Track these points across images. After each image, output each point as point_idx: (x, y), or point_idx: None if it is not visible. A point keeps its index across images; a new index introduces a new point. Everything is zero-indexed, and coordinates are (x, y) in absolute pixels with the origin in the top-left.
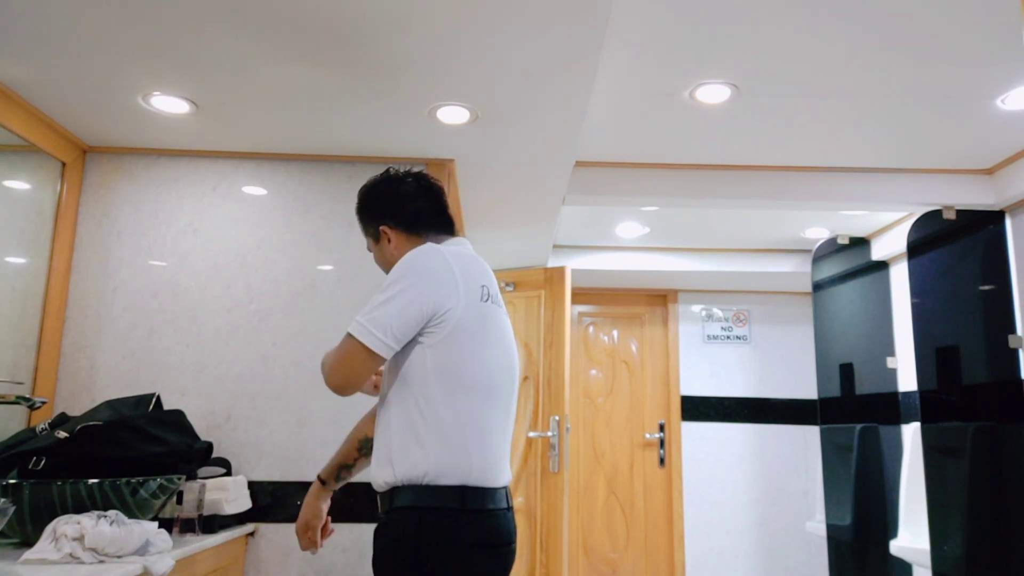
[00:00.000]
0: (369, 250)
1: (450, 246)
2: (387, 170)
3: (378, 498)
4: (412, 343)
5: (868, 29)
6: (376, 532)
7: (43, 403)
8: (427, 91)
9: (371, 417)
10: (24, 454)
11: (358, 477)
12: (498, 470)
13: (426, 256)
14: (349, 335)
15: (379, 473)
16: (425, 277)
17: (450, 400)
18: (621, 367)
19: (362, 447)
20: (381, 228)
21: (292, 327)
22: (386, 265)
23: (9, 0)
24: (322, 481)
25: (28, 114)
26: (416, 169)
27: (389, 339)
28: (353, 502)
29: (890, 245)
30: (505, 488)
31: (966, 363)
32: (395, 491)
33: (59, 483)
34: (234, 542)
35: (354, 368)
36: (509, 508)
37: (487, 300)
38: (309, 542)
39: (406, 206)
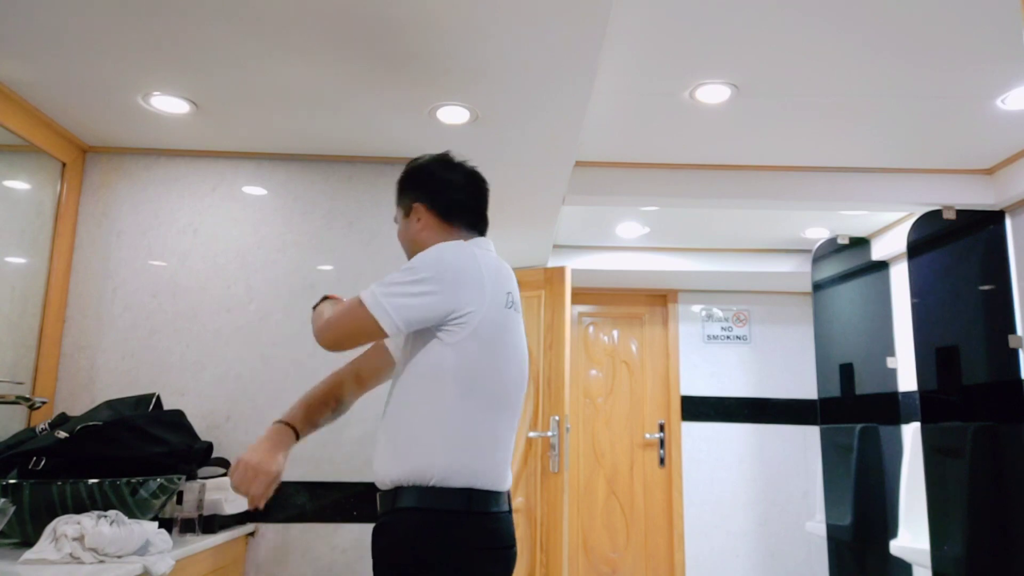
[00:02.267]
0: (396, 221)
1: (476, 247)
2: (446, 152)
3: (378, 497)
4: (432, 340)
5: (868, 29)
6: (376, 532)
7: (43, 403)
8: (427, 91)
9: (346, 377)
10: (24, 454)
11: (359, 477)
12: (503, 474)
13: (457, 255)
14: (362, 303)
15: (385, 469)
16: (452, 276)
17: (463, 402)
18: (621, 367)
19: (337, 409)
20: (414, 205)
21: (292, 327)
22: (407, 242)
23: (9, 0)
24: (295, 431)
25: (28, 114)
26: (472, 164)
27: (401, 323)
28: (354, 502)
29: (890, 245)
30: (507, 492)
31: (966, 363)
32: (399, 491)
33: (59, 483)
34: (234, 542)
35: (355, 334)
36: (510, 511)
37: (510, 307)
38: (263, 495)
39: (447, 193)
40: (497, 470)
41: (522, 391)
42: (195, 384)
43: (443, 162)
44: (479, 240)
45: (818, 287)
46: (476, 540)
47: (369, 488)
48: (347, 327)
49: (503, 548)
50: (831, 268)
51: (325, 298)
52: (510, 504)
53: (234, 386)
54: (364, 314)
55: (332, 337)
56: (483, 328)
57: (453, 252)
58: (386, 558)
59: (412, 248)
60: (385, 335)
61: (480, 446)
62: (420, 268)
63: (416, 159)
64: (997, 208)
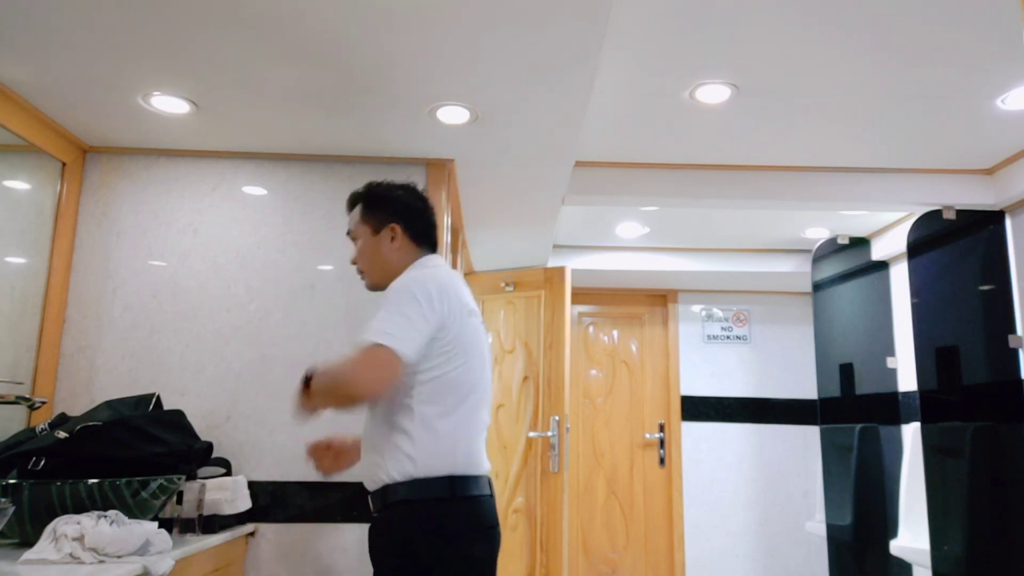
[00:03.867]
0: (352, 237)
1: (433, 268)
2: (411, 183)
3: (370, 498)
4: None
5: (868, 29)
6: (371, 530)
7: (43, 403)
8: (427, 91)
9: None
10: (24, 454)
11: (359, 477)
12: (480, 458)
13: (433, 281)
14: (378, 344)
15: (371, 472)
16: (435, 300)
17: (434, 401)
18: (621, 367)
19: None
20: (392, 225)
21: (292, 327)
22: (374, 258)
23: (9, 0)
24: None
25: (28, 114)
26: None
27: (417, 346)
28: (354, 502)
29: (890, 245)
30: (487, 476)
31: (966, 363)
32: (387, 489)
33: (59, 483)
34: (234, 542)
35: (387, 374)
36: (492, 494)
37: (470, 315)
38: (330, 463)
39: (420, 218)
40: (473, 456)
41: (487, 380)
42: (195, 384)
43: (413, 192)
44: (431, 258)
45: (818, 287)
46: (461, 525)
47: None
48: (380, 371)
49: (487, 528)
50: (831, 268)
51: (307, 379)
52: (491, 488)
53: (234, 386)
54: (387, 353)
55: (367, 388)
56: (451, 341)
57: (429, 279)
58: (382, 552)
59: (379, 264)
60: (407, 363)
61: (454, 438)
62: (407, 298)
63: (380, 184)
64: (997, 208)
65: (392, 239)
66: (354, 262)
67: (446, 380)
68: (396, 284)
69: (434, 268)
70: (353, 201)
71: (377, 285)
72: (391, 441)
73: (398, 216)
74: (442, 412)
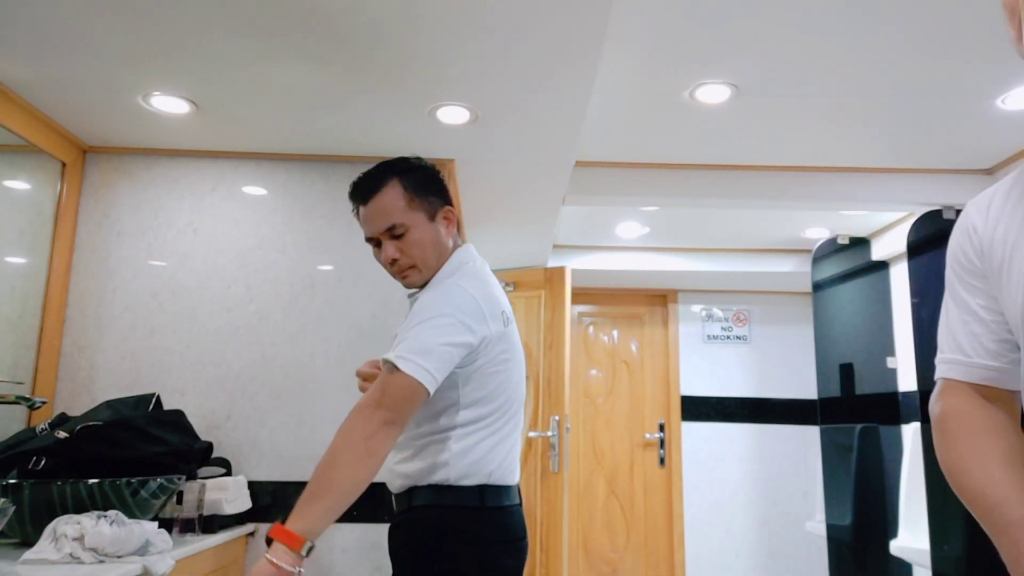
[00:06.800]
0: (397, 233)
1: (475, 268)
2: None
3: (393, 499)
4: None
5: (868, 29)
6: (392, 531)
7: (43, 403)
8: (427, 91)
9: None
10: (24, 454)
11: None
12: (513, 469)
13: (478, 290)
14: (398, 370)
15: (397, 474)
16: (479, 316)
17: (469, 413)
18: (621, 367)
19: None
20: (449, 209)
21: (292, 327)
22: (433, 246)
23: (9, 0)
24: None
25: (28, 114)
26: None
27: (440, 376)
28: (354, 502)
29: (890, 245)
30: (517, 485)
31: None
32: (413, 491)
33: (59, 483)
34: (234, 542)
35: (407, 404)
36: (521, 503)
37: (507, 325)
38: None
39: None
40: (507, 467)
41: (523, 390)
42: (195, 384)
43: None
44: (468, 249)
45: (818, 287)
46: (490, 533)
47: (370, 488)
48: (396, 401)
49: (516, 540)
50: (831, 268)
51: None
52: (520, 497)
53: (234, 386)
54: (408, 381)
55: (388, 418)
56: (488, 355)
57: (463, 294)
58: (403, 555)
59: (436, 256)
60: (428, 394)
61: (487, 448)
62: (438, 315)
63: (417, 160)
64: None
65: (447, 223)
66: (393, 260)
67: (485, 391)
68: (441, 290)
69: (475, 267)
70: (378, 183)
71: (426, 281)
72: (424, 445)
73: (447, 200)
74: (479, 421)
